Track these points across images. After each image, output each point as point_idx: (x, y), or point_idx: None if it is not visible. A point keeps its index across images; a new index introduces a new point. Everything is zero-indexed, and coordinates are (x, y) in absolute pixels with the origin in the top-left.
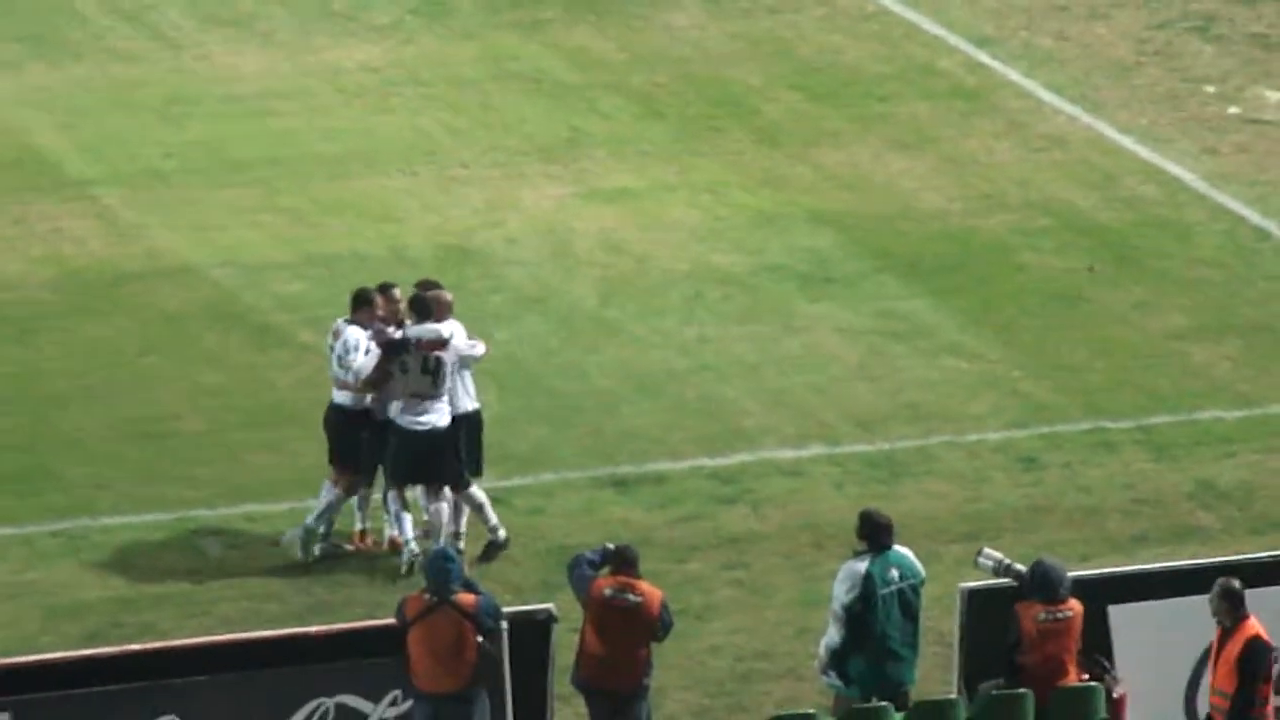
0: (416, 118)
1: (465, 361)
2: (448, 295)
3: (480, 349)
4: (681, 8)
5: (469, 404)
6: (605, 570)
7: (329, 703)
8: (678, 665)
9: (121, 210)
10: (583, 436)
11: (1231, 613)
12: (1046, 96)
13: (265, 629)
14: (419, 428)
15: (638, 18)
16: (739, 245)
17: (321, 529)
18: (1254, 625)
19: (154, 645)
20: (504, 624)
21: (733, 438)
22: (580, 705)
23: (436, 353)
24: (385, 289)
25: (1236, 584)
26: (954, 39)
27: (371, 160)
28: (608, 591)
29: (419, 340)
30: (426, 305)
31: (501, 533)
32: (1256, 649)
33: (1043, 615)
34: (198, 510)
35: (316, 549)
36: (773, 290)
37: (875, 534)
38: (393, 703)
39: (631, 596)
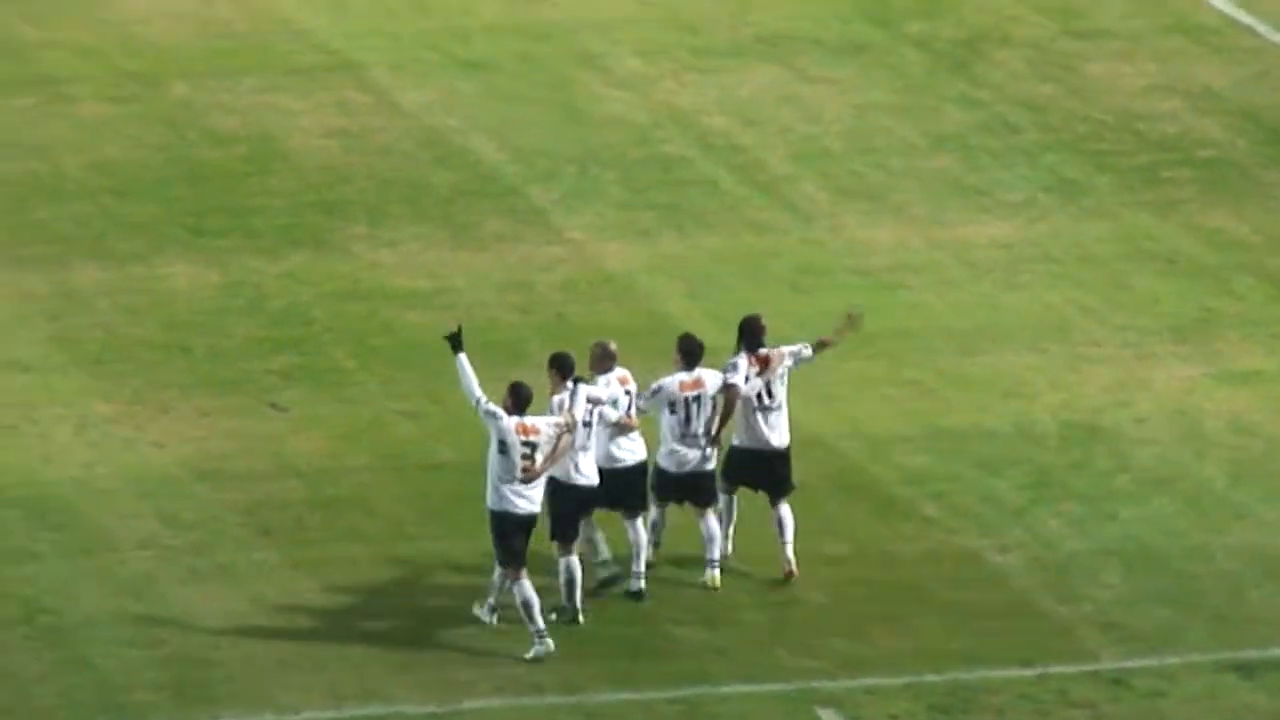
0: (1047, 294)
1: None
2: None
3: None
4: None
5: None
6: None
7: None
8: None
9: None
10: (1208, 619)
11: None
12: None
13: None
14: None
15: (1275, 199)
16: None
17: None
18: None
19: None
20: None
21: None
22: None
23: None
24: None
25: None
26: None
27: (1000, 336)
28: None
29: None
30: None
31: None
32: None
33: None
34: (818, 681)
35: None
36: None
37: None
38: None
39: None
